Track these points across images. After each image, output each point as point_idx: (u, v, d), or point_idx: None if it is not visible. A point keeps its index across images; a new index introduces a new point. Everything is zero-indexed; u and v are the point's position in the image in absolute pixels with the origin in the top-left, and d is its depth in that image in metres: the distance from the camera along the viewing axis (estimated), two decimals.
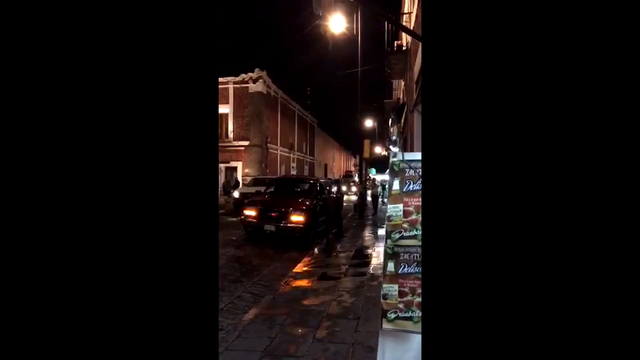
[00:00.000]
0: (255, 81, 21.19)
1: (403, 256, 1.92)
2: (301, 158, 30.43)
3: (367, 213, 13.60)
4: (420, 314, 1.88)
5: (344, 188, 9.66)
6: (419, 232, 1.89)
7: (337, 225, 8.90)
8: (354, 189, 22.36)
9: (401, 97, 15.36)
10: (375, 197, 15.16)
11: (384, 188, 15.61)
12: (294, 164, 28.07)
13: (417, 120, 8.08)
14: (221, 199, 13.85)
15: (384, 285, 1.96)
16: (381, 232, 8.98)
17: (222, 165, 20.08)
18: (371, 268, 5.50)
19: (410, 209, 1.92)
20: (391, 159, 2.04)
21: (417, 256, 1.90)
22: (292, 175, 23.45)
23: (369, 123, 28.00)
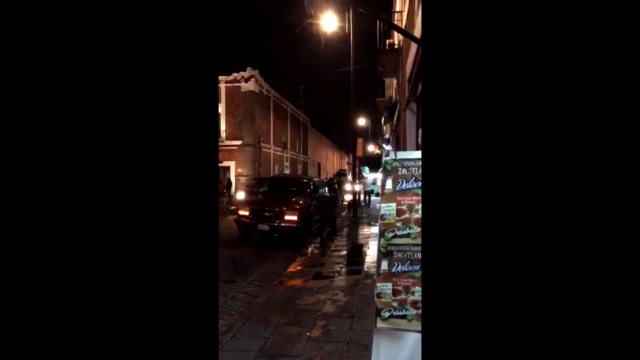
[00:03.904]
0: (247, 80, 21.07)
1: (396, 255, 1.93)
2: (294, 157, 30.35)
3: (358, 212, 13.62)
4: (414, 312, 1.89)
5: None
6: (412, 231, 1.90)
7: (330, 224, 8.90)
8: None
9: (393, 95, 15.40)
10: (367, 193, 16.36)
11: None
12: (287, 163, 27.98)
13: (409, 118, 8.09)
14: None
15: (378, 284, 1.97)
16: (374, 230, 8.99)
17: None
18: (365, 266, 5.51)
19: (404, 207, 1.92)
20: (384, 158, 2.05)
21: (410, 255, 1.91)
22: (286, 174, 23.40)
23: (362, 121, 28.01)
